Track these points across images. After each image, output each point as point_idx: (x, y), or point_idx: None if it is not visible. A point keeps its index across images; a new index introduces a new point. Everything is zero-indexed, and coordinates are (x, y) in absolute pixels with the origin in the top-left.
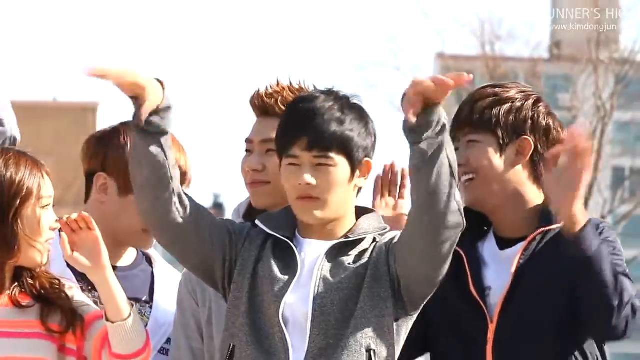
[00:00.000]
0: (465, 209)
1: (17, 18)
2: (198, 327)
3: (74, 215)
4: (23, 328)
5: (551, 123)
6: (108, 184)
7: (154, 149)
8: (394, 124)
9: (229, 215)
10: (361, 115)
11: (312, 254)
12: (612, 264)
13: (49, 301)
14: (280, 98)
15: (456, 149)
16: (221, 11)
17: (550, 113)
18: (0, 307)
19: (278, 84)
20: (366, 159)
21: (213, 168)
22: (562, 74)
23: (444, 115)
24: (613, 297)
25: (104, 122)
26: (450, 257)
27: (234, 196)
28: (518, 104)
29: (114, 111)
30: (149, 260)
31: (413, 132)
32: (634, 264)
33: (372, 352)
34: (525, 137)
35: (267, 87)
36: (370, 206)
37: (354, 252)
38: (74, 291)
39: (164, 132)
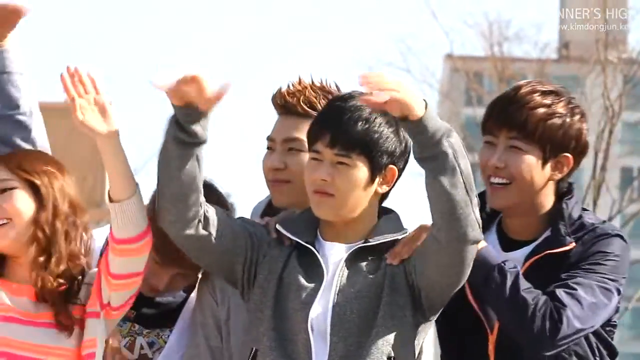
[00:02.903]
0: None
1: (27, 20)
2: (217, 326)
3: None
4: (41, 318)
5: (588, 140)
6: None
7: (191, 161)
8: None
9: (241, 214)
10: (393, 120)
11: (333, 259)
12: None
13: (58, 305)
14: (302, 97)
15: (489, 143)
16: (224, 7)
17: (586, 128)
18: (23, 298)
19: (300, 83)
20: (391, 165)
21: (225, 167)
22: (570, 74)
23: (445, 142)
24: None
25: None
26: (471, 265)
27: (245, 196)
28: (568, 120)
29: (125, 111)
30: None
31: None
32: None
33: None
34: (567, 154)
35: (288, 86)
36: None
37: (374, 255)
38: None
39: (203, 143)
